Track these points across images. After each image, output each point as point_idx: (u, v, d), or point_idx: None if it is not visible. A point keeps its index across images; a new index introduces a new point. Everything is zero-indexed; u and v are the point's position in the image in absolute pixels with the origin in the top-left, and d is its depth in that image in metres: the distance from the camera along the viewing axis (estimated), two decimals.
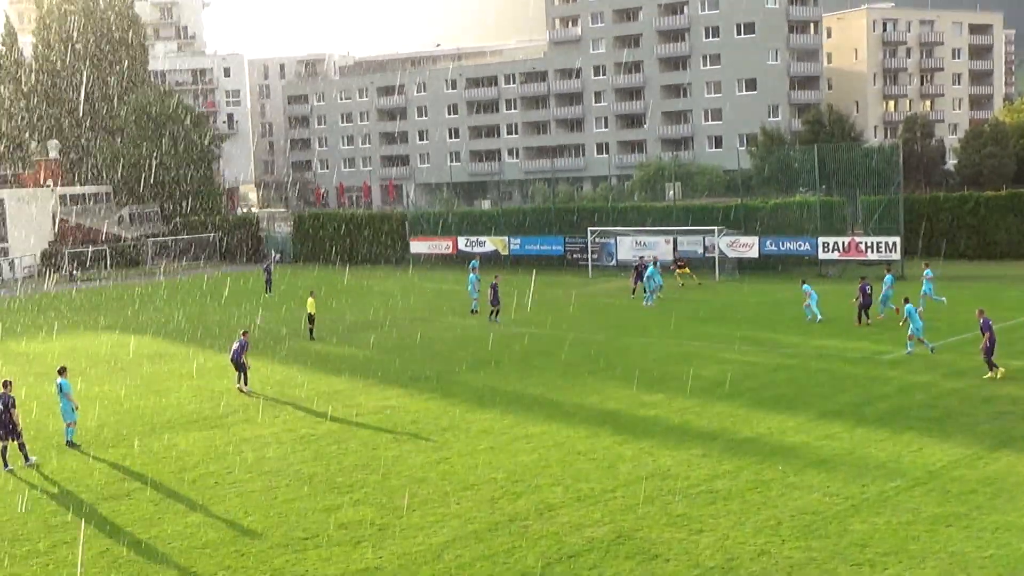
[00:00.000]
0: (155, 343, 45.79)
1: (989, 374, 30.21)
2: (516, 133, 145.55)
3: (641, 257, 59.98)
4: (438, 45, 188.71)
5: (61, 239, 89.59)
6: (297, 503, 21.85)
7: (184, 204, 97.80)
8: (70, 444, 27.63)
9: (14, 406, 26.10)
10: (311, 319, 44.63)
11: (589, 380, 32.99)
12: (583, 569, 17.62)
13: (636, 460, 23.68)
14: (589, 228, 67.79)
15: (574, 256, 68.82)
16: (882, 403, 27.96)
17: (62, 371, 28.39)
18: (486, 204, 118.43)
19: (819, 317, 41.93)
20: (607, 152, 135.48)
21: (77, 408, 28.47)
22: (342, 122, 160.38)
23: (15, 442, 26.10)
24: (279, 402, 32.03)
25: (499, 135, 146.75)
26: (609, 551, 18.33)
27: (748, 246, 61.72)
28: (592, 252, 66.87)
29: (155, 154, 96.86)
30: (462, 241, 75.20)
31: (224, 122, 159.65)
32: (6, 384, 26.40)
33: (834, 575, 16.96)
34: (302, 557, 18.79)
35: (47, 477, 24.86)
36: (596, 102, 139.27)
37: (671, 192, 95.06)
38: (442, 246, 76.21)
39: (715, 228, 62.59)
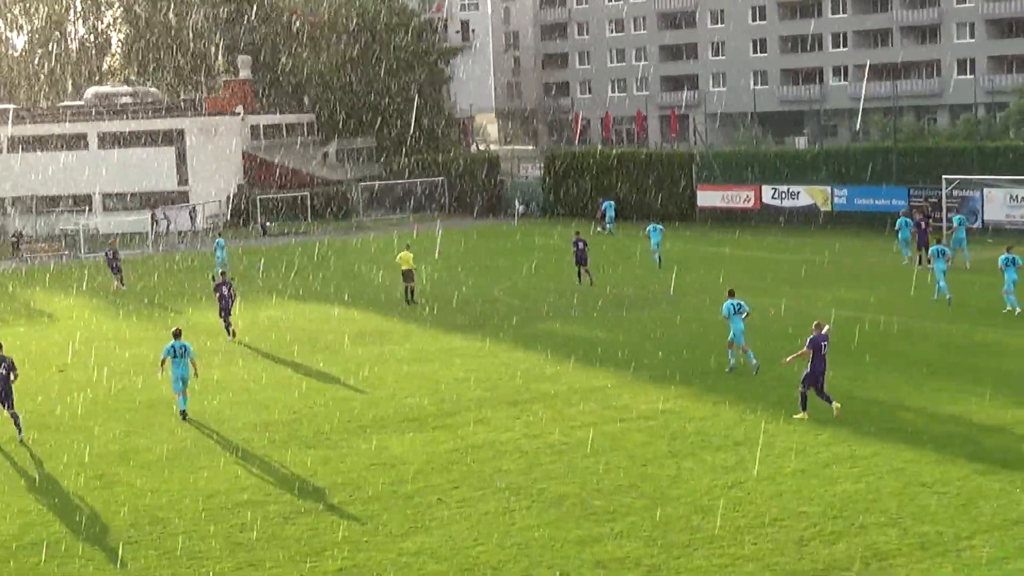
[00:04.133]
0: (366, 317, 47.44)
1: (801, 413, 29.50)
2: (844, 46, 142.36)
3: (909, 211, 59.64)
4: None
5: (252, 181, 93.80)
6: (542, 531, 22.25)
7: (405, 139, 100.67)
8: (184, 415, 31.92)
9: (13, 369, 30.81)
10: (407, 277, 49.16)
11: (941, 386, 32.24)
12: None
13: (1004, 498, 22.99)
14: (944, 176, 65.82)
15: (919, 215, 66.98)
16: None
17: (178, 334, 32.80)
18: (802, 142, 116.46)
19: (940, 291, 44.12)
20: (972, 72, 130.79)
21: (197, 376, 32.73)
22: (610, 32, 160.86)
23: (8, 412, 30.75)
24: (521, 399, 32.66)
25: (821, 48, 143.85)
26: None
27: None
28: (948, 209, 64.87)
29: (368, 74, 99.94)
30: (768, 192, 74.36)
31: (457, 32, 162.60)
32: None
33: None
34: None
35: (231, 483, 26.22)
36: (958, 2, 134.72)
37: None
38: (740, 197, 75.61)
39: None
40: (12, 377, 30.67)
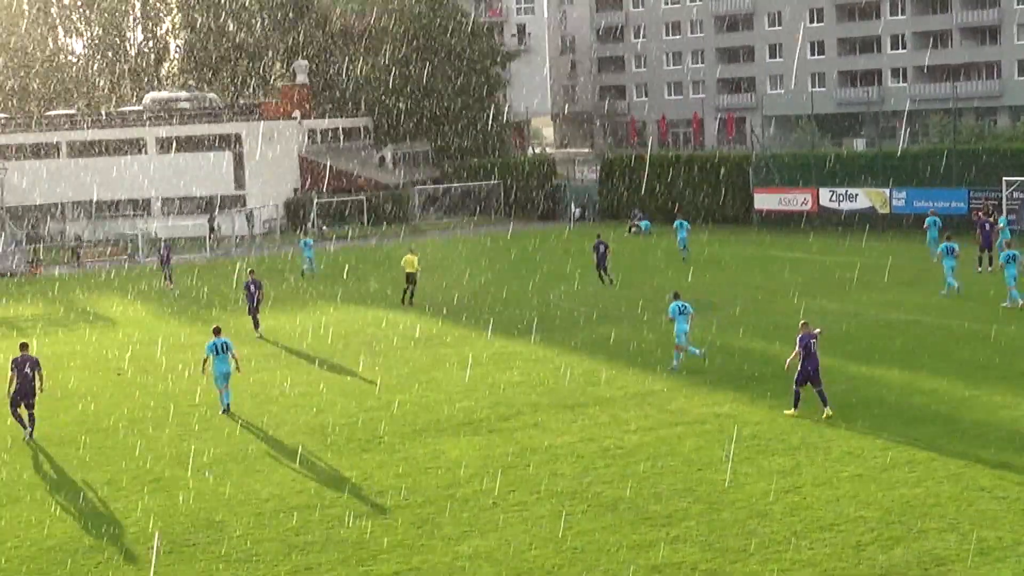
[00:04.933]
0: (421, 321, 47.53)
1: (792, 410, 30.23)
2: (903, 47, 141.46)
3: (979, 213, 59.39)
4: None
5: (308, 186, 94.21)
6: (597, 536, 22.23)
7: (461, 143, 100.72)
8: (227, 411, 33.11)
9: (38, 368, 31.51)
10: (410, 279, 50.75)
11: (997, 389, 31.94)
12: None
13: None
14: (1005, 178, 65.28)
15: (981, 215, 66.45)
16: None
17: (217, 331, 33.91)
18: (860, 144, 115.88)
19: (949, 287, 46.15)
20: None
21: (239, 371, 33.93)
22: (666, 34, 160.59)
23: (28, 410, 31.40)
24: (577, 403, 32.65)
25: (879, 50, 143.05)
26: None
27: None
28: (1008, 212, 64.34)
29: (425, 78, 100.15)
30: (825, 194, 73.94)
31: (513, 35, 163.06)
32: (24, 346, 32.16)
33: None
34: None
35: (287, 486, 26.37)
36: (1019, 3, 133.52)
37: None
38: (797, 200, 75.22)
39: None
40: (37, 377, 31.23)
